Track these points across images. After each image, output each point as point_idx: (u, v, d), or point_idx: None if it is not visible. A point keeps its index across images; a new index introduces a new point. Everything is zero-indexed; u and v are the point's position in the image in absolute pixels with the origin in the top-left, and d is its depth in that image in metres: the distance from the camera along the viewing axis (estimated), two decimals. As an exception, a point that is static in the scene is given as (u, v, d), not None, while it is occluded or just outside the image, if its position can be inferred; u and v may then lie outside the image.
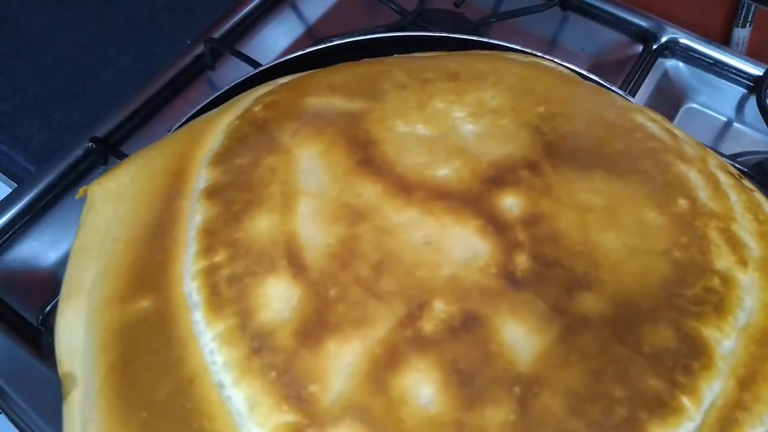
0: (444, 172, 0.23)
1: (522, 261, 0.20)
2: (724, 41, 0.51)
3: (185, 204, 0.23)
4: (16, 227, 0.36)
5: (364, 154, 0.23)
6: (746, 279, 0.21)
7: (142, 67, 0.45)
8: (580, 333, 0.19)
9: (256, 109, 0.27)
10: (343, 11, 0.49)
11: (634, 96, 0.45)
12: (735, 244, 0.22)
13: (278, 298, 0.20)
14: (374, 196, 0.22)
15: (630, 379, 0.18)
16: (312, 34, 0.48)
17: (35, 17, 0.48)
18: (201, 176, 0.24)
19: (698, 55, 0.46)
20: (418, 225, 0.21)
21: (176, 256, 0.22)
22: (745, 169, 0.39)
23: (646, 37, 0.47)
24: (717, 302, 0.20)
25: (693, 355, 0.19)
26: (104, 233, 0.24)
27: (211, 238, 0.22)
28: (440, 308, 0.19)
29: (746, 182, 0.25)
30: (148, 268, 0.22)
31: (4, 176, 0.41)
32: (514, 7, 0.48)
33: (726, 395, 0.19)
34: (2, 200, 0.36)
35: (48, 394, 0.31)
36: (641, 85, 0.45)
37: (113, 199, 0.25)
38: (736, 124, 0.46)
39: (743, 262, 0.21)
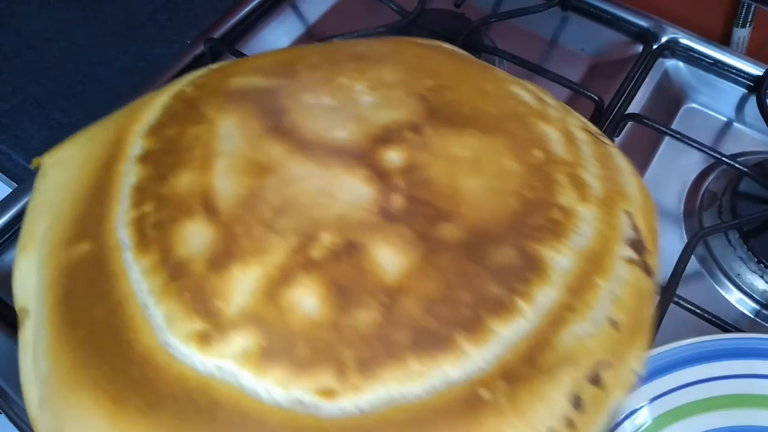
0: (341, 133, 0.27)
1: (397, 200, 0.24)
2: (724, 41, 0.52)
3: (121, 168, 0.27)
4: (16, 227, 0.36)
5: (274, 121, 0.27)
6: (586, 212, 0.25)
7: (142, 67, 0.45)
8: (439, 254, 0.23)
9: (188, 89, 0.31)
10: (343, 11, 0.50)
11: (634, 96, 0.45)
12: (579, 185, 0.26)
13: (194, 237, 0.24)
14: (279, 154, 0.26)
15: (476, 287, 0.22)
16: (312, 34, 0.49)
17: (35, 17, 0.47)
18: (136, 145, 0.28)
19: (698, 55, 0.46)
20: (314, 176, 0.25)
21: (112, 210, 0.26)
22: (746, 169, 0.41)
23: (646, 37, 0.47)
24: (556, 229, 0.24)
25: (531, 269, 0.23)
26: (54, 194, 0.27)
27: (141, 194, 0.26)
28: (327, 239, 0.23)
29: (605, 139, 0.30)
30: (88, 219, 0.26)
31: (4, 176, 0.41)
32: (514, 7, 0.48)
33: (558, 300, 0.23)
34: (2, 200, 0.36)
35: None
36: (641, 85, 0.45)
37: (62, 167, 0.29)
38: (736, 124, 0.47)
39: (584, 199, 0.26)
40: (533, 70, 0.45)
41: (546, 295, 0.23)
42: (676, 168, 0.46)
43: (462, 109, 0.28)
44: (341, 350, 0.21)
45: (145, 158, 0.27)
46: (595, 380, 0.22)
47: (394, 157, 0.26)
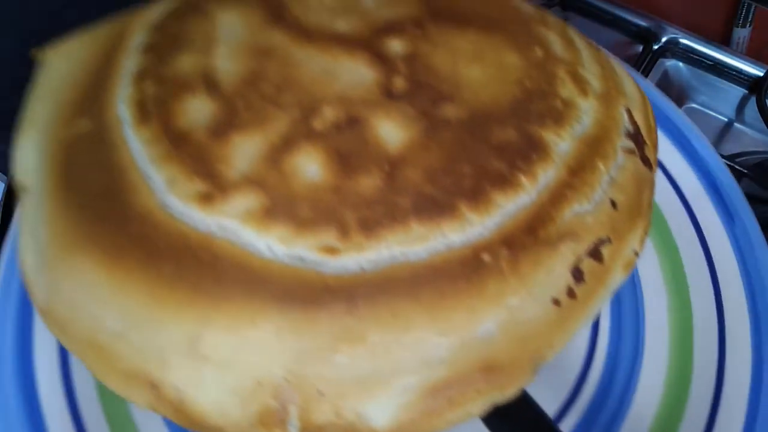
0: (342, 25, 0.27)
1: (399, 82, 0.24)
2: (724, 41, 0.51)
3: (122, 56, 0.27)
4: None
5: (277, 14, 0.27)
6: (585, 104, 0.25)
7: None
8: (441, 130, 0.23)
9: (190, -6, 0.31)
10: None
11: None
12: (579, 81, 0.26)
13: (195, 110, 0.23)
14: (281, 41, 0.26)
15: (478, 162, 0.22)
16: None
17: (35, 17, 0.47)
18: (138, 39, 0.28)
19: (698, 55, 0.46)
20: (316, 59, 0.25)
21: (112, 91, 0.25)
22: (745, 170, 0.40)
23: (646, 37, 0.47)
24: (557, 116, 0.24)
25: (532, 149, 0.23)
26: (55, 83, 0.27)
27: (142, 75, 0.25)
28: (329, 112, 0.23)
29: (602, 49, 0.30)
30: (88, 101, 0.25)
31: (4, 176, 0.41)
32: (515, 7, 0.48)
33: (558, 179, 0.23)
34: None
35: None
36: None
37: (63, 59, 0.28)
38: (736, 124, 0.47)
39: (584, 93, 0.26)
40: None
41: (547, 174, 0.23)
42: (677, 168, 0.45)
43: (463, 11, 0.28)
44: (343, 211, 0.21)
45: (146, 48, 0.27)
46: (596, 255, 0.22)
47: (396, 45, 0.26)
